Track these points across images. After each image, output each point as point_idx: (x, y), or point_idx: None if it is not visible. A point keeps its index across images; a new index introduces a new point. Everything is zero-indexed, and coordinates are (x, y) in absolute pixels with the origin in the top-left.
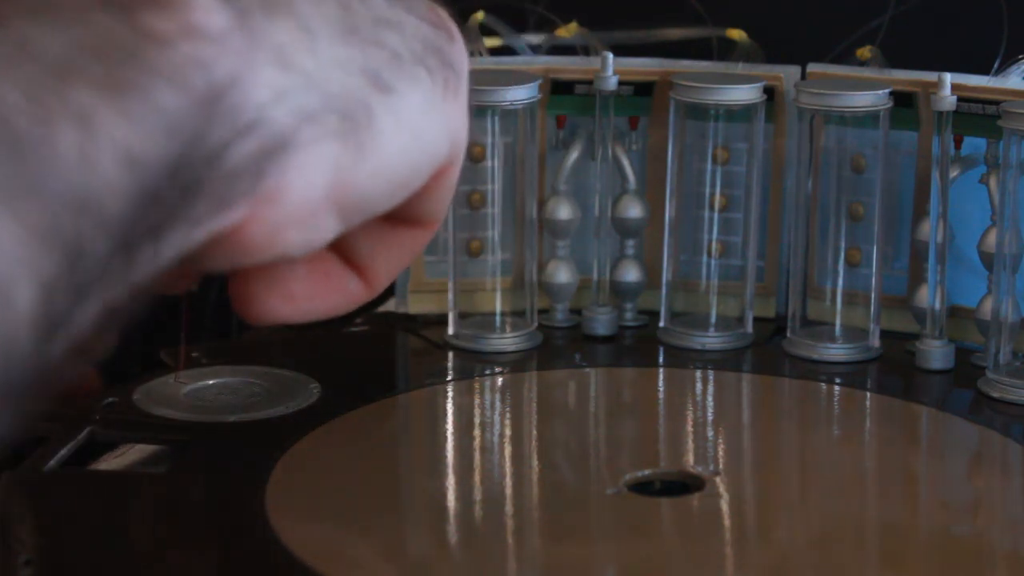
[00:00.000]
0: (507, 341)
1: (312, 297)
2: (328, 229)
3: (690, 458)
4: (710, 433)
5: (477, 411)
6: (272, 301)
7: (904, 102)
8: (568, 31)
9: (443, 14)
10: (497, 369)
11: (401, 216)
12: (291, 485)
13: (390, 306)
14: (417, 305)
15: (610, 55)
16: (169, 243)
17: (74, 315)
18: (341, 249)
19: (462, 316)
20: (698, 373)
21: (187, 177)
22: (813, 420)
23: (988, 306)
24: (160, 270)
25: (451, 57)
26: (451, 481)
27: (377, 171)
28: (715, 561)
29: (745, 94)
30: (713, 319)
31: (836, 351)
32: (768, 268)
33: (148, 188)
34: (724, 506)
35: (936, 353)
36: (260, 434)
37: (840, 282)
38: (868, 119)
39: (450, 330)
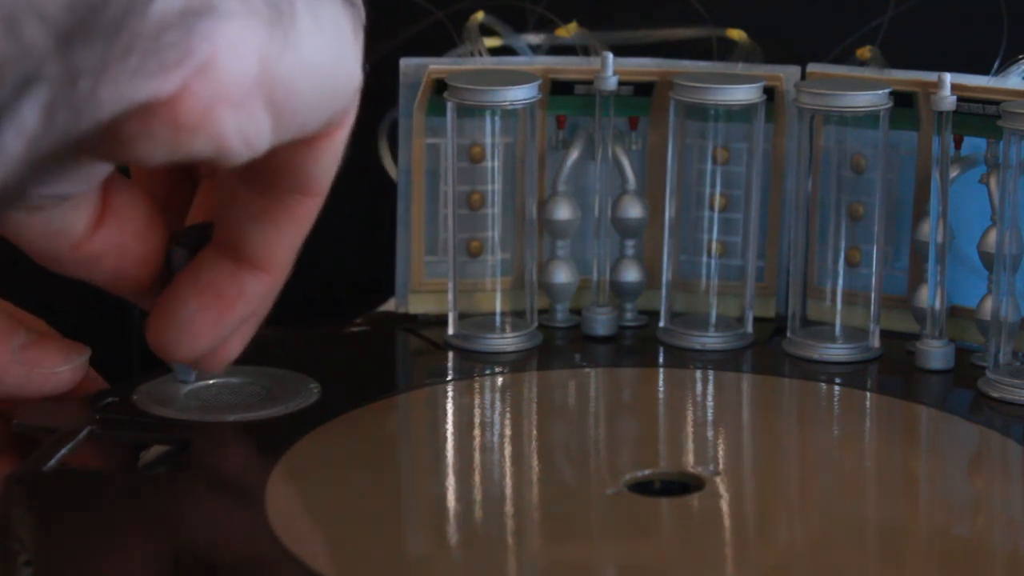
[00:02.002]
0: (507, 341)
1: (216, 323)
2: (262, 125)
3: (690, 458)
4: (710, 433)
5: (477, 411)
6: (182, 345)
7: (904, 102)
8: (568, 31)
9: None
10: (497, 369)
11: (287, 186)
12: (291, 485)
13: (390, 306)
14: (417, 305)
15: (610, 55)
16: (108, 87)
17: (20, 106)
18: (230, 247)
19: (462, 316)
20: (698, 373)
21: (113, 13)
22: (813, 420)
23: (988, 306)
24: (102, 123)
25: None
26: (451, 481)
27: (304, 71)
28: (715, 561)
29: (745, 94)
30: (713, 319)
31: (836, 351)
32: (768, 268)
33: (77, 7)
34: (724, 506)
35: (936, 353)
36: (260, 434)
37: (840, 282)
38: (868, 119)
39: (450, 330)
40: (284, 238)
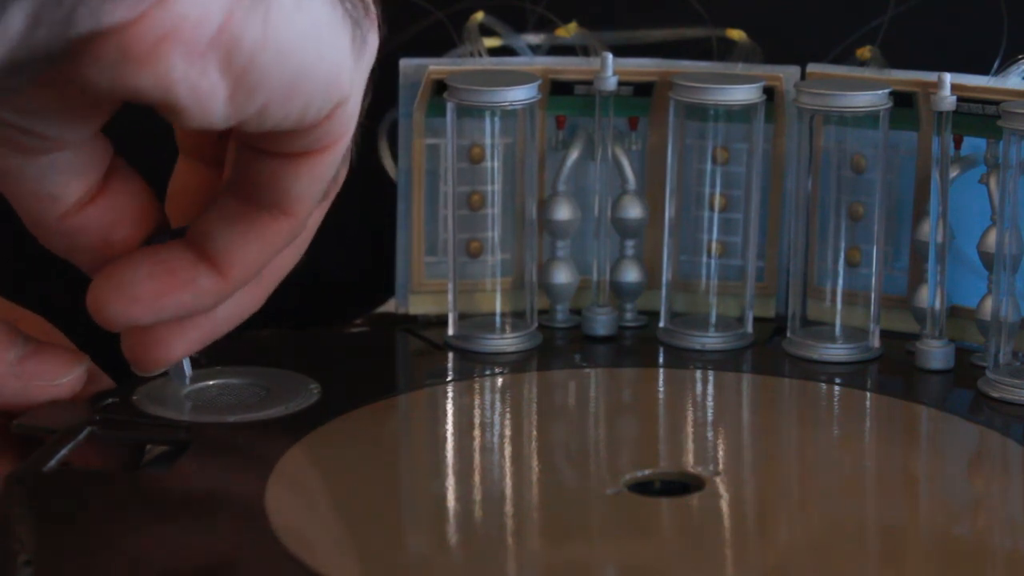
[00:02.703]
0: (507, 341)
1: (158, 296)
2: (216, 88)
3: (690, 458)
4: (710, 433)
5: (477, 412)
6: (117, 305)
7: (904, 102)
8: (568, 31)
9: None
10: (497, 369)
11: (265, 200)
12: (291, 485)
13: (390, 306)
14: (417, 305)
15: (610, 55)
16: (84, 7)
17: (9, 10)
18: (197, 242)
19: (462, 317)
20: (698, 373)
21: None
22: (813, 420)
23: (988, 306)
24: (72, 42)
25: (364, 16)
26: (451, 481)
27: (273, 50)
28: (715, 561)
29: (745, 94)
30: (713, 319)
31: (836, 351)
32: (768, 268)
33: None
34: (724, 506)
35: (936, 353)
36: (260, 434)
37: (840, 282)
38: (868, 119)
39: (450, 331)
40: (248, 249)
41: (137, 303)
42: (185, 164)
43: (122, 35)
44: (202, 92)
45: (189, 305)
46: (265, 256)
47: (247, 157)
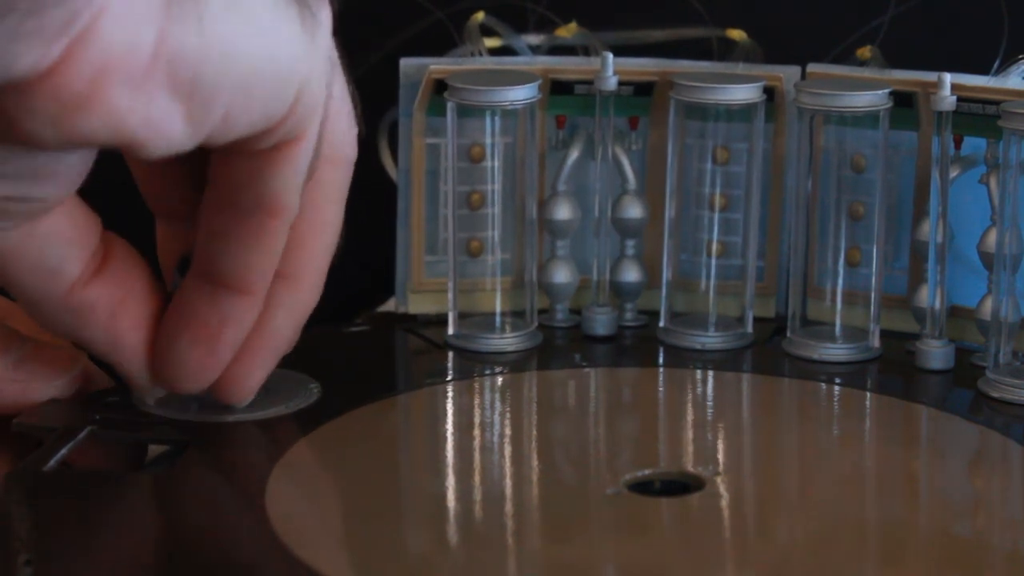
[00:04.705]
0: (507, 341)
1: (209, 353)
2: (171, 113)
3: (690, 458)
4: (710, 433)
5: (477, 411)
6: (189, 381)
7: (904, 102)
8: (568, 31)
9: None
10: (497, 369)
11: (249, 203)
12: (291, 485)
13: (390, 306)
14: (417, 305)
15: (610, 55)
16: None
17: None
18: (205, 271)
19: (462, 316)
20: (698, 373)
21: None
22: (813, 420)
23: (988, 306)
24: None
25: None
26: (451, 481)
27: (215, 53)
28: (715, 561)
29: (745, 94)
30: (713, 319)
31: (836, 351)
32: (768, 268)
33: None
34: (724, 506)
35: (936, 353)
36: (260, 434)
37: (840, 282)
38: (868, 119)
39: (450, 330)
40: (253, 259)
41: (200, 371)
42: (164, 228)
43: (51, 83)
44: (156, 120)
45: (238, 337)
46: (270, 260)
47: (222, 166)
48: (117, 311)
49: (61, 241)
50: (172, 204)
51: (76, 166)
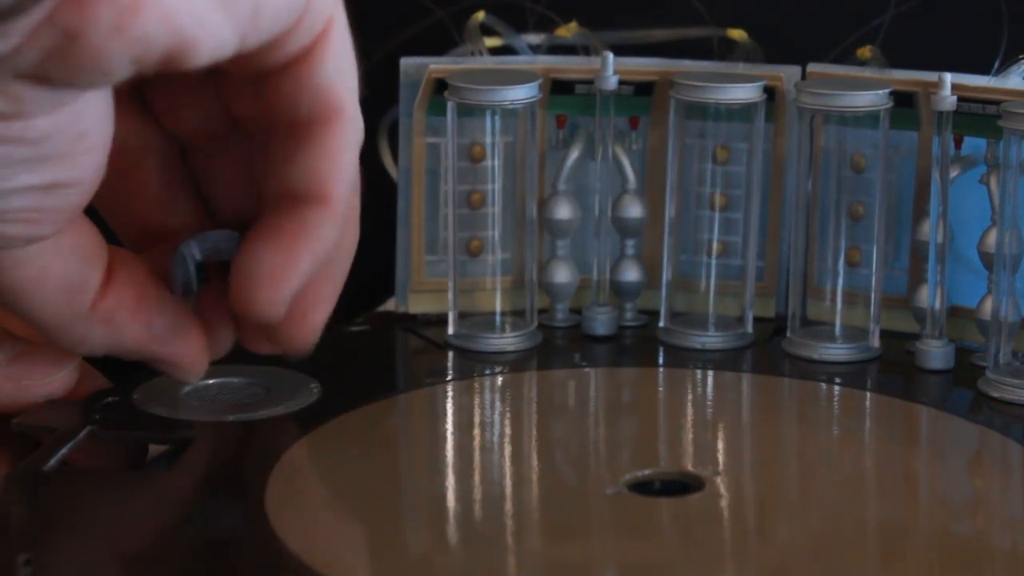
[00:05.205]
0: (507, 341)
1: (288, 260)
2: (210, 6)
3: (690, 458)
4: (710, 433)
5: (477, 411)
6: (267, 294)
7: (904, 102)
8: (568, 31)
9: None
10: (497, 369)
11: (304, 108)
12: (291, 485)
13: (390, 306)
14: (417, 305)
15: (610, 55)
16: None
17: None
18: (287, 195)
19: (462, 316)
20: (698, 373)
21: None
22: (813, 420)
23: (988, 306)
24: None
25: None
26: (451, 481)
27: None
28: (715, 561)
29: (745, 94)
30: (713, 319)
31: (836, 351)
32: (768, 268)
33: None
34: (724, 506)
35: (936, 353)
36: (260, 434)
37: (840, 282)
38: (868, 119)
39: (450, 330)
40: (321, 165)
41: (278, 282)
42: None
43: None
44: (201, 15)
45: (317, 252)
46: (340, 162)
47: (270, 87)
48: (137, 307)
49: (83, 255)
50: (141, 239)
51: (95, 146)
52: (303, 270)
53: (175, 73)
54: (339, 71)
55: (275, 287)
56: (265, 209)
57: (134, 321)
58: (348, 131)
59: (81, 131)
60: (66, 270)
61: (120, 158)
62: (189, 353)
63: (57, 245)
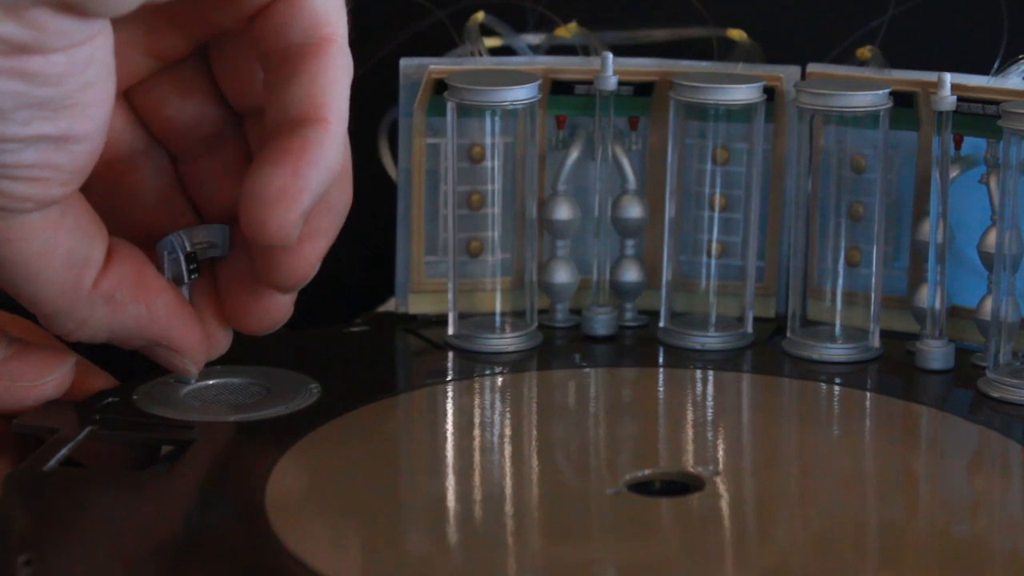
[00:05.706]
0: (507, 341)
1: (294, 175)
2: None
3: (690, 458)
4: (710, 433)
5: (477, 411)
6: (277, 214)
7: (904, 102)
8: (568, 31)
9: None
10: (497, 369)
11: (299, 26)
12: (291, 485)
13: (390, 306)
14: (417, 305)
15: (610, 55)
16: None
17: None
18: (286, 123)
19: (462, 316)
20: (698, 373)
21: None
22: (813, 420)
23: (988, 306)
24: None
25: None
26: (451, 481)
27: None
28: (715, 561)
29: (745, 94)
30: (713, 319)
31: (836, 351)
32: (768, 268)
33: None
34: (724, 506)
35: (936, 353)
36: (260, 434)
37: (840, 282)
38: (868, 119)
39: (450, 330)
40: (317, 87)
41: (284, 200)
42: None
43: None
44: None
45: (319, 164)
46: (334, 82)
47: (261, 17)
48: (137, 287)
49: (86, 232)
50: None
51: (101, 100)
52: (312, 187)
53: (167, 63)
54: (334, 81)
55: (287, 207)
56: (268, 140)
57: (135, 300)
58: (340, 58)
59: (90, 79)
60: (70, 244)
61: (114, 165)
62: (188, 339)
63: (61, 220)
